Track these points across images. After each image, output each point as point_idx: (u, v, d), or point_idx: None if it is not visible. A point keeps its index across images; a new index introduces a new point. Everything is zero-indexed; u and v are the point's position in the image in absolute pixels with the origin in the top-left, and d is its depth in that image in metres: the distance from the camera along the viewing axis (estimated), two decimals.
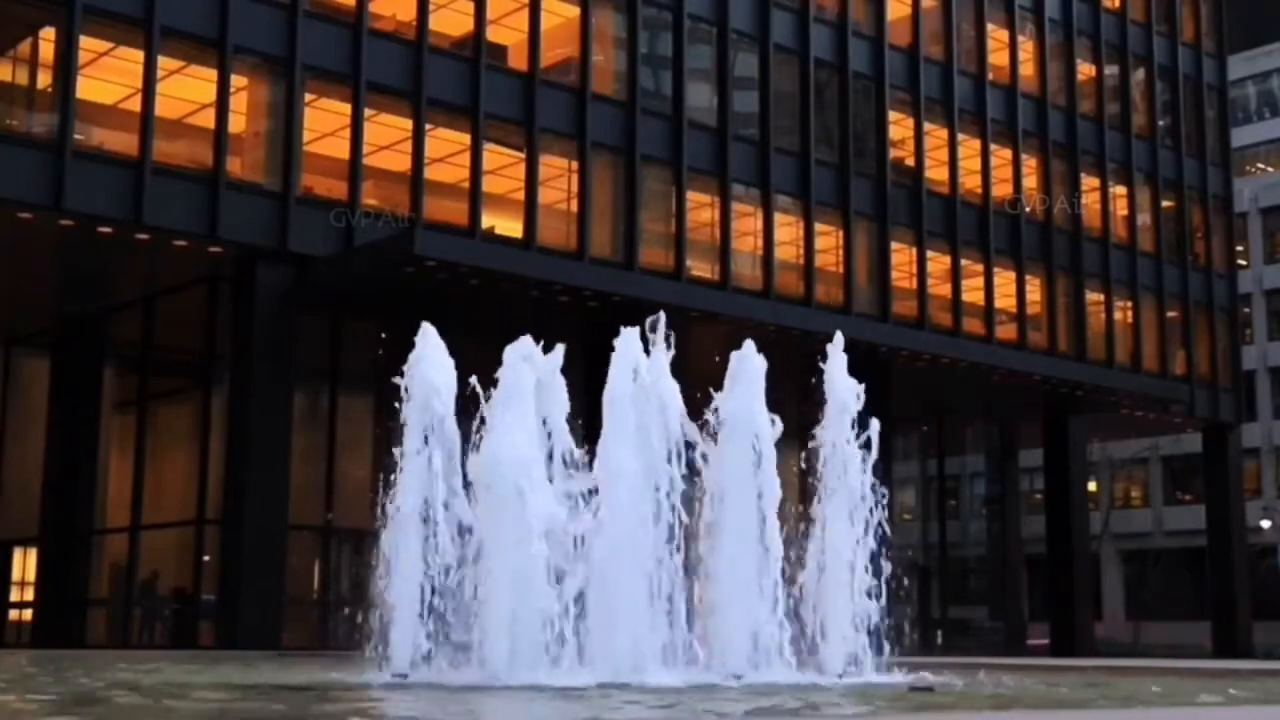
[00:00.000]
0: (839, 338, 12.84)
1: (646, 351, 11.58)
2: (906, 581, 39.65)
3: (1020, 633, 44.36)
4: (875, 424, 12.48)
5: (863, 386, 12.67)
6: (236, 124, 28.39)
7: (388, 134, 30.13)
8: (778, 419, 11.95)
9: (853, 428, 12.55)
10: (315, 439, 30.06)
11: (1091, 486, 54.12)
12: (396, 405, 11.72)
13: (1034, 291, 41.49)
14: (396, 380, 11.61)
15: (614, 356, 11.60)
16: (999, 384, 36.94)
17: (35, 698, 9.04)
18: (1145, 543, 67.86)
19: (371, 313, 29.45)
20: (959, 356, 35.26)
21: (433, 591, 11.21)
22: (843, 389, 12.65)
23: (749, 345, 12.17)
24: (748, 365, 12.13)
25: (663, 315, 11.77)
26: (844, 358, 12.72)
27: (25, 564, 34.12)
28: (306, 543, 30.13)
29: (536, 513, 10.76)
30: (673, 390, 11.55)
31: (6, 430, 35.20)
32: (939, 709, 9.08)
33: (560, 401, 11.29)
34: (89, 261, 29.46)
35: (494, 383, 11.22)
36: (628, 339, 11.58)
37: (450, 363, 11.65)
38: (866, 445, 12.50)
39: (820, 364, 12.74)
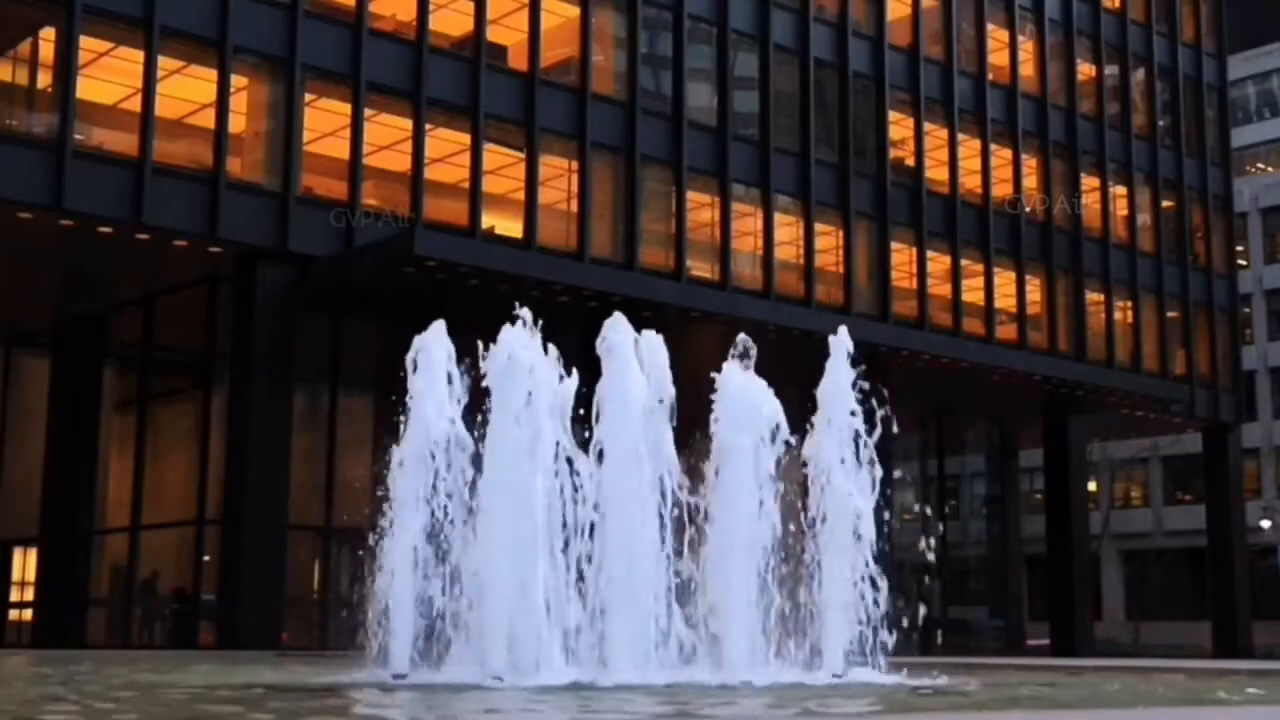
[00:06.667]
0: (843, 334, 12.71)
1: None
2: (905, 581, 39.66)
3: (1020, 633, 44.36)
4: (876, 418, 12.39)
5: (860, 371, 12.62)
6: (236, 124, 28.39)
7: (388, 134, 30.13)
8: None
9: (854, 423, 12.49)
10: (315, 439, 30.06)
11: (1091, 486, 54.14)
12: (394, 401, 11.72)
13: (1034, 291, 41.49)
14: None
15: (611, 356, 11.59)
16: (999, 384, 36.93)
17: None
18: (1145, 543, 67.84)
19: (371, 313, 29.46)
20: (959, 356, 35.25)
21: (432, 591, 11.20)
22: (842, 385, 12.61)
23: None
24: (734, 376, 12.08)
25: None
26: (845, 355, 12.65)
27: (25, 564, 34.11)
28: (306, 543, 30.13)
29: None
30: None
31: (6, 430, 35.20)
32: (939, 709, 9.08)
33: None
34: (89, 261, 29.46)
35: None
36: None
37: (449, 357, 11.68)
38: (867, 442, 12.46)
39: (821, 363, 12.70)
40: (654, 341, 11.55)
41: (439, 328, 11.79)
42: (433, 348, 11.73)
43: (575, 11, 32.72)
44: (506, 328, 11.23)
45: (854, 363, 12.34)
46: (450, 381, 11.58)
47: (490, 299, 27.09)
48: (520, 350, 11.09)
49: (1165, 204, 45.96)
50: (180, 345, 31.52)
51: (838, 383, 12.21)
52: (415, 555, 11.32)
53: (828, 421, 12.09)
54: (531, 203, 31.11)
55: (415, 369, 11.69)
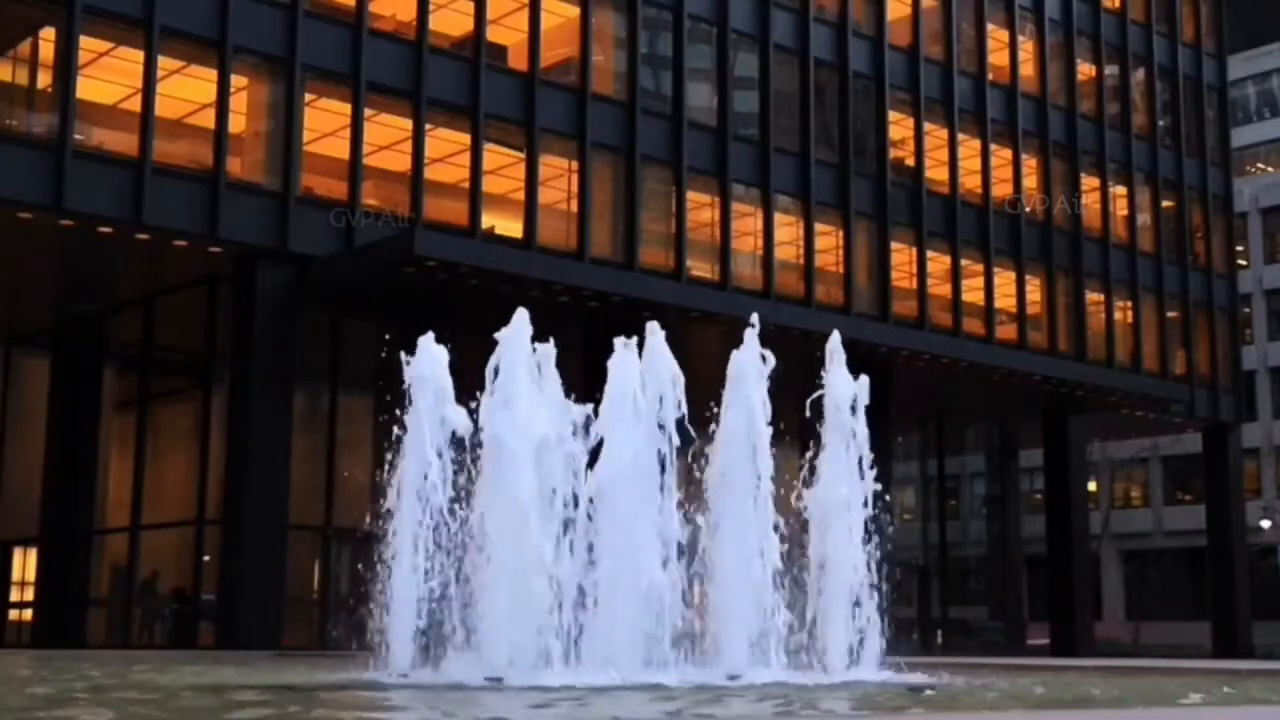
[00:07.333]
0: (836, 337, 12.82)
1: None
2: (906, 581, 39.67)
3: (1020, 633, 44.35)
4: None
5: (865, 380, 12.65)
6: (236, 124, 28.39)
7: (388, 134, 30.12)
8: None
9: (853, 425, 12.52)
10: (315, 439, 30.05)
11: (1091, 486, 54.11)
12: (392, 403, 11.72)
13: (1034, 291, 41.48)
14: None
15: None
16: (999, 384, 36.93)
17: None
18: (1145, 543, 67.85)
19: (371, 313, 29.45)
20: (959, 356, 35.25)
21: (431, 591, 11.20)
22: (842, 387, 12.63)
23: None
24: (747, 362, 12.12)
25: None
26: (843, 356, 12.68)
27: (25, 564, 34.11)
28: (306, 543, 30.12)
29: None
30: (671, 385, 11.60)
31: (6, 430, 35.20)
32: (938, 709, 9.08)
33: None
34: (89, 261, 29.46)
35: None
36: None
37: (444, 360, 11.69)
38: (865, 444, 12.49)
39: (821, 366, 12.73)
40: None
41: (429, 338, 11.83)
42: (430, 349, 11.73)
43: (575, 11, 32.72)
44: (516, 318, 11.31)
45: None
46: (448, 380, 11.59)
47: (490, 299, 27.15)
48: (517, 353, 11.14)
49: (1165, 204, 45.95)
50: (180, 345, 31.52)
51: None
52: (415, 555, 11.32)
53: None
54: (531, 203, 31.11)
55: (414, 366, 11.70)
